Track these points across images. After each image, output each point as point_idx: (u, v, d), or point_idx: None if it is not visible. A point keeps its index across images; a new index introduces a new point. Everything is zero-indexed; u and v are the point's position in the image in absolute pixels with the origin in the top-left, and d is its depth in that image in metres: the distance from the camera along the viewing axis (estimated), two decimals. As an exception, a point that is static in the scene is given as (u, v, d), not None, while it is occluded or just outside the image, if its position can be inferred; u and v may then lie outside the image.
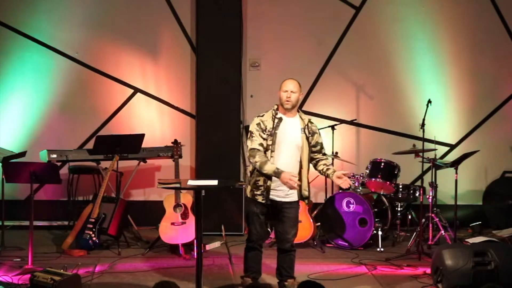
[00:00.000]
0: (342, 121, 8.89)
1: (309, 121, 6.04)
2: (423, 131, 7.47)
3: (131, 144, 7.97)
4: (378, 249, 7.74)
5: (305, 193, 5.98)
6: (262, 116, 5.96)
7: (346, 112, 8.98)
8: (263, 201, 5.89)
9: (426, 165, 7.90)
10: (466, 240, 7.21)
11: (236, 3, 8.66)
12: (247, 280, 6.07)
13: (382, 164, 8.06)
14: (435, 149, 8.08)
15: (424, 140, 7.55)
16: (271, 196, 5.91)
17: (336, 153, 8.37)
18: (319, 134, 6.07)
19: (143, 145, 8.08)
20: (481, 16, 9.02)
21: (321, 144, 6.06)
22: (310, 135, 5.97)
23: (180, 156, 7.95)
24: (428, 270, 6.63)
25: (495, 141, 9.05)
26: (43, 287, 5.78)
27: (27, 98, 8.80)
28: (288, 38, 8.94)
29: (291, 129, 5.92)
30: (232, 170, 8.41)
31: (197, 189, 5.88)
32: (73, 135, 8.78)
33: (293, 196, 5.95)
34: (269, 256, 7.38)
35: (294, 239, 6.07)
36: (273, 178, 5.83)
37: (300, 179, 5.89)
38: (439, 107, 8.81)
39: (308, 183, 6.01)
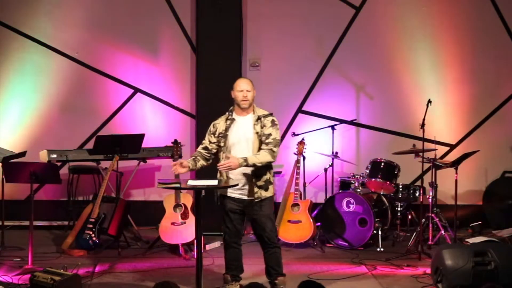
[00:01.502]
0: (342, 121, 8.88)
1: (264, 115, 6.00)
2: (423, 131, 7.47)
3: (131, 144, 7.97)
4: (378, 249, 7.74)
5: (259, 193, 5.93)
6: (217, 120, 6.13)
7: (346, 112, 8.98)
8: (217, 201, 6.07)
9: (426, 165, 7.90)
10: (466, 240, 7.20)
11: (236, 3, 8.66)
12: (226, 277, 6.18)
13: (382, 164, 8.06)
14: (435, 149, 8.08)
15: (424, 140, 7.54)
16: (235, 195, 5.98)
17: (336, 153, 8.37)
18: (270, 126, 5.94)
19: (143, 145, 8.09)
20: (481, 16, 9.02)
21: (267, 135, 5.91)
22: (261, 129, 5.95)
23: (180, 156, 7.94)
24: (428, 270, 6.63)
25: (495, 141, 9.05)
26: (43, 287, 5.79)
27: (27, 98, 8.81)
28: (288, 38, 8.94)
29: (242, 128, 5.98)
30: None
31: (197, 189, 5.88)
32: (73, 135, 8.79)
33: (254, 194, 5.95)
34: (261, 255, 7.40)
35: (273, 235, 6.05)
36: (230, 177, 5.91)
37: (256, 176, 5.91)
38: (439, 107, 8.80)
39: (266, 176, 5.95)
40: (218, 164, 5.88)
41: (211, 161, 6.11)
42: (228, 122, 6.03)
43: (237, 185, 5.86)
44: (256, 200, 5.95)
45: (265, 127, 5.95)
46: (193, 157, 6.08)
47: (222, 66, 8.58)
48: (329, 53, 8.98)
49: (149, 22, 8.90)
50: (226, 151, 5.96)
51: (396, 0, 9.00)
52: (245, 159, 5.79)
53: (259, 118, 5.97)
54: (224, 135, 5.99)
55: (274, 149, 5.90)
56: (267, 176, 5.98)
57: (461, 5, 9.02)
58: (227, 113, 6.10)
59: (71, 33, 8.82)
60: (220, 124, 6.07)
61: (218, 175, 6.00)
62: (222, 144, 6.00)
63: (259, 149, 5.91)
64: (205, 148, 6.08)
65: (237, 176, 5.93)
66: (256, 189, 5.94)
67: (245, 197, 5.98)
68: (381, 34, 8.99)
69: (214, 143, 6.05)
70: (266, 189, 5.97)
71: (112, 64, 8.89)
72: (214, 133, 6.07)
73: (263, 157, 5.86)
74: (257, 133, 5.93)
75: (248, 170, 5.90)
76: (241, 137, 5.96)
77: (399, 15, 8.99)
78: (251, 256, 6.71)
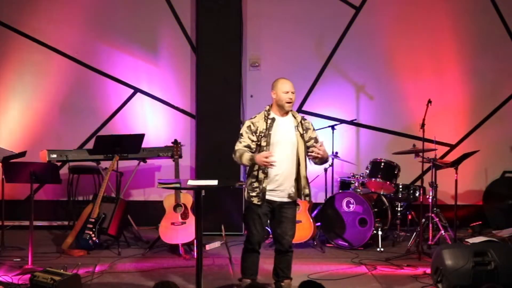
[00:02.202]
0: (342, 121, 8.88)
1: (302, 118, 6.05)
2: (423, 131, 7.47)
3: (131, 144, 7.97)
4: (378, 249, 7.74)
5: (306, 191, 5.97)
6: (254, 118, 6.00)
7: (346, 112, 8.98)
8: (259, 203, 5.89)
9: (426, 165, 7.90)
10: (466, 240, 7.20)
11: (236, 3, 8.66)
12: (245, 282, 6.05)
13: (382, 164, 8.06)
14: (435, 149, 8.08)
15: (424, 140, 7.54)
16: (270, 197, 5.90)
17: (336, 153, 8.37)
18: (313, 129, 6.06)
19: (143, 145, 8.09)
20: (481, 16, 9.02)
21: (315, 138, 6.02)
22: (304, 131, 5.96)
23: (180, 156, 7.95)
24: (428, 270, 6.63)
25: (495, 141, 9.05)
26: (43, 287, 5.79)
27: (27, 98, 8.80)
28: (288, 38, 8.94)
29: (285, 128, 5.94)
30: (232, 170, 8.38)
31: (197, 189, 5.88)
32: (73, 135, 8.78)
33: (293, 196, 5.96)
34: (269, 256, 7.38)
35: (292, 240, 6.07)
36: (272, 179, 5.85)
37: (298, 178, 5.91)
38: (439, 107, 8.80)
39: (307, 181, 6.00)
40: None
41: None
42: (269, 121, 5.94)
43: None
44: (293, 204, 5.97)
45: (309, 129, 6.00)
46: (244, 150, 5.87)
47: (222, 66, 8.59)
48: (329, 53, 8.98)
49: (149, 22, 8.90)
50: (267, 150, 5.83)
51: (396, 0, 9.00)
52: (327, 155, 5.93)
53: (300, 120, 5.99)
54: (266, 134, 5.88)
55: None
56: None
57: (461, 5, 9.02)
58: (263, 112, 6.00)
59: (71, 33, 8.82)
60: (259, 123, 5.94)
61: (261, 175, 5.83)
62: (263, 143, 5.87)
63: (304, 150, 5.91)
64: (248, 147, 5.91)
65: (281, 178, 5.87)
66: (304, 191, 5.94)
67: (280, 199, 5.92)
68: (381, 34, 8.99)
69: (254, 141, 5.91)
70: (310, 191, 6.02)
71: (112, 64, 8.88)
72: (255, 132, 5.91)
73: (326, 154, 5.95)
74: (301, 135, 5.94)
75: (295, 172, 5.88)
76: (284, 137, 5.90)
77: (399, 15, 8.99)
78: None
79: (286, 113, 5.99)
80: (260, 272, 6.30)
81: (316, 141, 5.98)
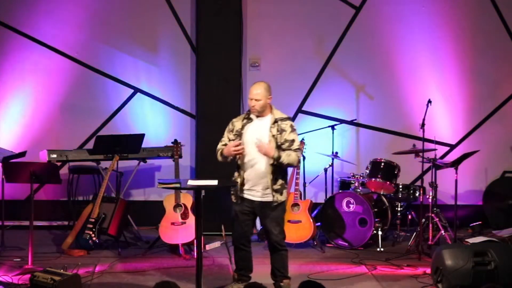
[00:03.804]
0: (342, 121, 8.88)
1: (281, 119, 5.98)
2: (423, 131, 7.47)
3: (131, 144, 7.97)
4: (378, 249, 7.74)
5: (276, 190, 5.93)
6: (237, 117, 6.13)
7: (346, 112, 8.98)
8: (235, 201, 6.04)
9: (426, 165, 7.90)
10: (466, 240, 7.19)
11: (236, 3, 8.66)
12: (234, 275, 6.25)
13: (382, 164, 8.06)
14: (435, 149, 8.08)
15: (424, 140, 7.54)
16: (248, 197, 5.99)
17: (336, 153, 8.37)
18: (291, 131, 5.96)
19: (143, 145, 8.09)
20: (481, 16, 9.01)
21: (290, 141, 5.93)
22: (278, 133, 5.93)
23: (180, 156, 7.95)
24: (428, 270, 6.63)
25: (495, 141, 9.04)
26: (43, 287, 5.79)
27: (27, 98, 8.80)
28: (288, 38, 8.94)
29: (258, 129, 5.96)
30: (232, 170, 8.37)
31: (197, 189, 5.89)
32: (73, 135, 8.78)
33: (268, 196, 5.96)
34: (269, 256, 7.39)
35: (281, 238, 6.07)
36: (246, 178, 5.94)
37: (272, 178, 5.92)
38: (439, 107, 8.81)
39: (282, 180, 5.97)
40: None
41: (229, 158, 6.06)
42: (245, 121, 6.02)
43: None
44: (274, 204, 5.96)
45: (284, 132, 5.93)
46: (222, 147, 6.06)
47: (222, 66, 8.58)
48: (329, 53, 8.98)
49: (149, 22, 8.89)
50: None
51: (396, 0, 9.00)
52: (279, 156, 5.83)
53: (276, 121, 5.95)
54: (239, 134, 5.98)
55: (300, 155, 6.01)
56: (283, 180, 6.00)
57: (461, 5, 9.02)
58: (246, 112, 6.11)
59: (71, 33, 8.82)
60: (238, 122, 6.06)
61: (236, 174, 6.01)
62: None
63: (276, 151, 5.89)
64: (225, 145, 6.04)
65: (254, 178, 5.93)
66: (273, 193, 5.94)
67: (259, 199, 5.98)
68: (381, 34, 8.98)
69: (232, 140, 6.02)
70: (281, 194, 5.99)
71: (112, 64, 8.88)
72: (232, 131, 6.05)
73: (292, 160, 5.90)
74: (273, 136, 5.92)
75: (267, 172, 5.90)
76: (254, 137, 5.93)
77: (399, 15, 8.98)
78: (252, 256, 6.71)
79: (266, 113, 5.99)
80: (260, 272, 6.30)
81: (291, 144, 5.92)
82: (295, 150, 5.93)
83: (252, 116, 6.03)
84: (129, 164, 8.41)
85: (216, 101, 8.60)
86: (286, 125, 5.97)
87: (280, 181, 5.97)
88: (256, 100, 5.93)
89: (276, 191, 5.95)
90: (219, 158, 6.09)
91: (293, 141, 5.94)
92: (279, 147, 5.90)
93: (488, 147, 8.91)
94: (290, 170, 8.13)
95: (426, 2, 8.99)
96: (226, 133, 6.12)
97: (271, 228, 6.03)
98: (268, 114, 6.01)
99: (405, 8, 8.98)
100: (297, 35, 8.94)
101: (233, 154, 5.92)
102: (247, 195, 6.01)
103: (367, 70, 9.02)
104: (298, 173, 7.88)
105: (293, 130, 5.98)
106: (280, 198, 5.98)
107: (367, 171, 8.09)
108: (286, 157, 5.86)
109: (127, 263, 7.16)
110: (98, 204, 7.56)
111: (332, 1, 8.93)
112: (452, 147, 9.08)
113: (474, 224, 8.56)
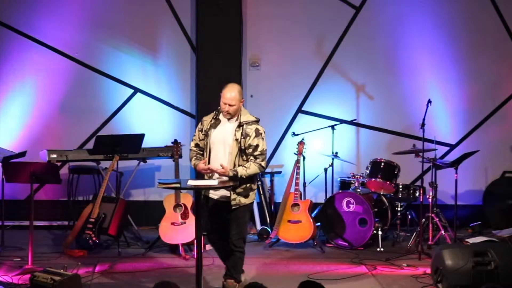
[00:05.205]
0: (342, 121, 8.88)
1: (247, 122, 5.90)
2: (423, 131, 7.47)
3: (131, 144, 7.97)
4: (378, 249, 7.74)
5: (239, 193, 5.88)
6: (207, 115, 6.08)
7: (346, 112, 8.98)
8: (203, 200, 6.01)
9: (426, 165, 7.90)
10: (466, 240, 7.20)
11: (236, 3, 8.66)
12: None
13: (382, 164, 8.06)
14: (435, 149, 8.08)
15: (424, 140, 7.54)
16: (211, 195, 5.98)
17: (336, 153, 8.37)
18: (255, 136, 5.85)
19: (143, 145, 8.09)
20: (481, 16, 9.01)
21: (254, 147, 5.83)
22: (242, 137, 5.85)
23: (180, 156, 7.95)
24: (428, 270, 6.63)
25: (495, 141, 9.04)
26: (43, 287, 5.79)
27: (27, 98, 8.80)
28: (288, 38, 8.94)
29: (224, 130, 5.93)
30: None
31: (197, 189, 5.89)
32: (73, 135, 8.78)
33: (227, 197, 5.92)
34: (269, 256, 7.41)
35: (237, 239, 5.98)
36: (212, 179, 5.90)
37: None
38: (439, 107, 8.81)
39: (249, 184, 5.91)
40: (210, 166, 5.82)
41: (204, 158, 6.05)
42: (213, 121, 5.99)
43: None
44: (234, 206, 5.89)
45: (248, 137, 5.84)
46: (195, 157, 6.03)
47: (222, 66, 8.59)
48: (329, 53, 8.98)
49: (149, 22, 8.90)
50: (206, 150, 5.94)
51: (396, 0, 9.00)
52: (236, 173, 5.75)
53: (241, 125, 5.88)
54: (206, 134, 5.96)
55: (263, 163, 5.87)
56: (249, 184, 5.91)
57: (461, 5, 9.02)
58: (215, 111, 6.06)
59: (71, 33, 8.82)
60: (206, 121, 6.04)
61: (206, 176, 5.98)
62: (205, 142, 5.97)
63: (238, 156, 5.83)
64: (197, 146, 6.05)
65: (219, 179, 5.87)
66: (234, 196, 5.87)
67: (223, 200, 5.94)
68: (381, 34, 8.99)
69: (202, 140, 6.02)
70: (246, 196, 5.91)
71: (112, 64, 8.88)
72: (201, 130, 6.03)
73: (252, 171, 5.82)
74: (236, 139, 5.84)
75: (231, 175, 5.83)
76: (220, 140, 5.91)
77: (399, 15, 8.98)
78: (251, 256, 6.71)
79: (234, 116, 5.93)
80: (260, 273, 6.30)
81: (254, 149, 5.83)
82: (257, 156, 5.83)
83: (220, 116, 5.98)
84: (129, 164, 8.41)
85: (216, 101, 8.54)
86: (251, 129, 5.86)
87: (244, 185, 5.88)
88: (230, 105, 5.86)
89: (239, 194, 5.87)
90: (191, 162, 6.07)
91: (257, 146, 5.84)
92: (243, 152, 5.85)
93: (488, 147, 8.91)
94: (290, 170, 8.19)
95: (426, 2, 8.98)
96: (197, 132, 6.07)
97: (229, 228, 5.97)
98: (238, 117, 5.95)
99: (405, 8, 8.98)
100: (297, 35, 8.94)
101: (205, 172, 5.92)
102: (211, 194, 5.98)
103: (367, 70, 9.02)
104: (298, 173, 7.87)
105: (258, 134, 5.86)
106: (244, 200, 5.90)
107: (367, 171, 8.09)
108: (244, 171, 5.78)
109: (127, 263, 7.15)
110: (98, 204, 7.56)
111: (332, 1, 8.94)
112: (452, 147, 9.07)
113: (474, 224, 8.56)
